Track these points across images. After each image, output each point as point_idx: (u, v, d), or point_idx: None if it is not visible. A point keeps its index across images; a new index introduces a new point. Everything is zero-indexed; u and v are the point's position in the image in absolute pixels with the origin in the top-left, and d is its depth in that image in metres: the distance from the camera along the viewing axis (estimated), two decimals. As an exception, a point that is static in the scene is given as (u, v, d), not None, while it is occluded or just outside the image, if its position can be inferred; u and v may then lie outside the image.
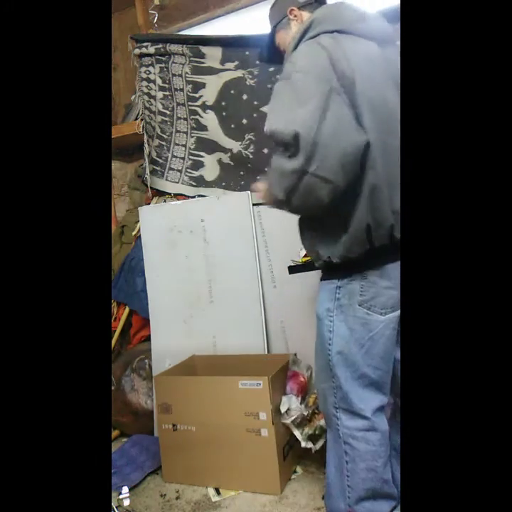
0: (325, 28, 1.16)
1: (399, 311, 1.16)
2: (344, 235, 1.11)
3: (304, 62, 1.09)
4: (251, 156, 2.31)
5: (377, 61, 1.15)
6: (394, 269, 1.13)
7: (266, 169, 1.22)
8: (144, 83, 2.45)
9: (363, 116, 1.07)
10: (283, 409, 1.69)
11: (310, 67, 1.07)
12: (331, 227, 1.14)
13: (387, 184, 1.10)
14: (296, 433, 1.68)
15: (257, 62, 2.29)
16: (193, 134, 2.45)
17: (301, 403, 1.71)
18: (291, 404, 1.70)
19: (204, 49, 2.35)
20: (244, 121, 2.32)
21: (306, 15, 1.30)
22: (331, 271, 1.21)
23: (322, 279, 1.26)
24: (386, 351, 1.19)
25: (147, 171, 2.44)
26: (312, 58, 1.09)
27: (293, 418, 1.67)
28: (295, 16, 1.31)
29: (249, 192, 2.23)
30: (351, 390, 1.19)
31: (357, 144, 1.03)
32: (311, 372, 1.83)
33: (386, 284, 1.14)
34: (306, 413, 1.71)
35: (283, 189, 1.06)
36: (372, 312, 1.15)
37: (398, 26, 1.14)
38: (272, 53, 1.43)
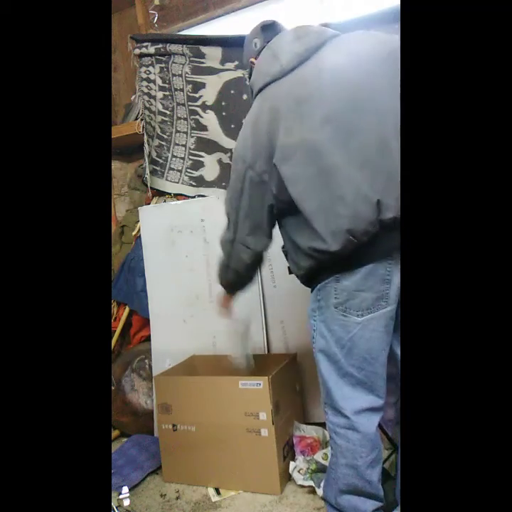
0: (257, 88, 1.26)
1: (378, 312, 1.16)
2: (295, 252, 1.26)
3: (237, 141, 1.30)
4: (251, 156, 2.31)
5: (312, 84, 1.15)
6: (364, 273, 1.14)
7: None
8: (144, 83, 2.45)
9: (290, 159, 1.14)
10: (291, 471, 1.70)
11: (238, 145, 1.28)
12: (292, 245, 1.27)
13: (333, 203, 1.11)
14: (314, 485, 1.65)
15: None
16: (193, 134, 2.45)
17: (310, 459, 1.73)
18: (299, 464, 1.71)
19: (204, 49, 2.35)
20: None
21: None
22: (310, 280, 1.29)
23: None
24: (369, 352, 1.18)
25: (147, 171, 2.45)
26: (242, 136, 1.27)
27: (303, 475, 1.69)
28: (253, 65, 1.35)
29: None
30: (334, 387, 1.21)
31: (267, 214, 1.27)
32: (323, 432, 1.84)
33: (356, 288, 1.15)
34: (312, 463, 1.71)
35: (225, 254, 1.40)
36: (348, 314, 1.17)
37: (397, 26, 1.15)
38: None
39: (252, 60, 1.35)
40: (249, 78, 1.38)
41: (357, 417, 1.20)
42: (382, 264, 1.12)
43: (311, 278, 1.26)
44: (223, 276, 1.49)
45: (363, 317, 1.16)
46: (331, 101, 1.12)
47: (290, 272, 1.70)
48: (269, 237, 1.34)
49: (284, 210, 1.23)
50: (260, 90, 1.24)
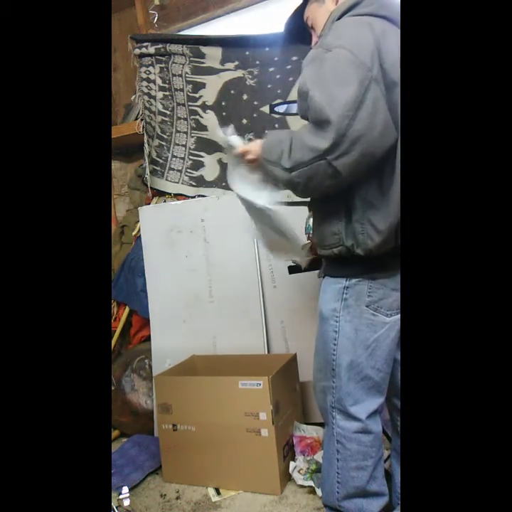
0: (375, 11, 1.10)
1: None
2: (374, 229, 1.08)
3: (349, 40, 1.04)
4: (251, 156, 2.31)
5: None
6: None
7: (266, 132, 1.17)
8: (144, 83, 2.45)
9: (396, 113, 1.04)
10: (291, 471, 1.69)
11: (355, 46, 1.02)
12: (361, 217, 1.10)
13: None
14: (314, 485, 1.65)
15: (257, 62, 2.29)
16: (193, 134, 2.45)
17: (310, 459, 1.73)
18: (299, 464, 1.71)
19: (204, 49, 2.35)
20: (244, 121, 2.32)
21: None
22: (340, 265, 1.18)
23: (327, 274, 1.23)
24: (389, 353, 1.19)
25: (147, 171, 2.45)
26: (358, 38, 1.04)
27: (303, 475, 1.68)
28: None
29: (249, 192, 2.23)
30: (350, 392, 1.19)
31: (384, 145, 1.02)
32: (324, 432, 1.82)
33: (394, 286, 1.13)
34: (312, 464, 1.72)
35: (293, 159, 1.04)
36: (378, 313, 1.15)
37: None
38: (297, 29, 1.33)
39: None
40: None
41: (369, 420, 1.19)
42: None
43: (349, 264, 1.15)
44: (276, 168, 1.09)
45: (392, 317, 1.15)
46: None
47: (290, 272, 1.70)
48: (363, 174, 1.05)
49: (383, 163, 1.07)
50: (381, 17, 1.10)
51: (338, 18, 1.14)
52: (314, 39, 1.28)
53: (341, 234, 1.14)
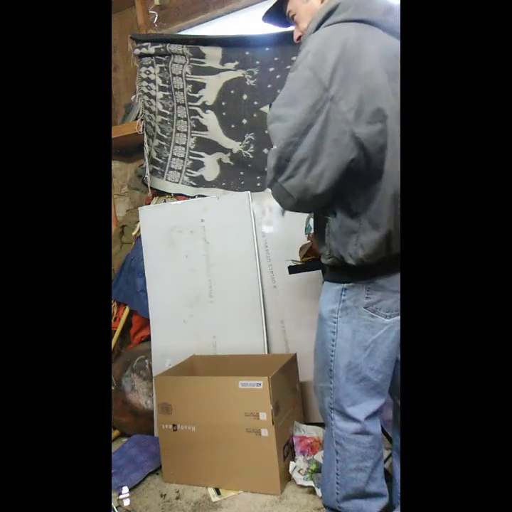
0: (351, 15, 1.08)
1: None
2: (365, 239, 1.09)
3: (313, 56, 1.04)
4: (251, 156, 2.31)
5: (396, 60, 1.04)
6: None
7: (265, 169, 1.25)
8: (144, 83, 2.45)
9: (366, 120, 1.02)
10: (291, 471, 1.70)
11: (317, 62, 1.03)
12: (352, 227, 1.11)
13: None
14: (314, 486, 1.65)
15: (257, 62, 2.29)
16: (193, 134, 2.45)
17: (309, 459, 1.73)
18: (299, 464, 1.71)
19: (204, 49, 2.35)
20: (244, 121, 2.32)
21: None
22: (337, 273, 1.20)
23: (326, 280, 1.25)
24: (389, 354, 1.18)
25: (147, 171, 2.45)
26: (323, 52, 1.04)
27: (303, 475, 1.69)
28: None
29: (249, 192, 2.23)
30: (349, 393, 1.18)
31: (336, 164, 1.03)
32: (324, 432, 1.81)
33: (393, 288, 1.13)
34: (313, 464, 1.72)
35: (267, 181, 1.14)
36: (377, 315, 1.14)
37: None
38: (276, 16, 1.31)
39: None
40: None
41: (368, 421, 1.19)
42: None
43: (345, 271, 1.16)
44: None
45: (391, 318, 1.15)
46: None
47: (290, 272, 1.70)
48: (326, 196, 1.07)
49: (360, 175, 1.06)
50: (357, 21, 1.08)
51: (316, 29, 1.13)
52: (296, 33, 1.26)
53: (331, 246, 1.16)
